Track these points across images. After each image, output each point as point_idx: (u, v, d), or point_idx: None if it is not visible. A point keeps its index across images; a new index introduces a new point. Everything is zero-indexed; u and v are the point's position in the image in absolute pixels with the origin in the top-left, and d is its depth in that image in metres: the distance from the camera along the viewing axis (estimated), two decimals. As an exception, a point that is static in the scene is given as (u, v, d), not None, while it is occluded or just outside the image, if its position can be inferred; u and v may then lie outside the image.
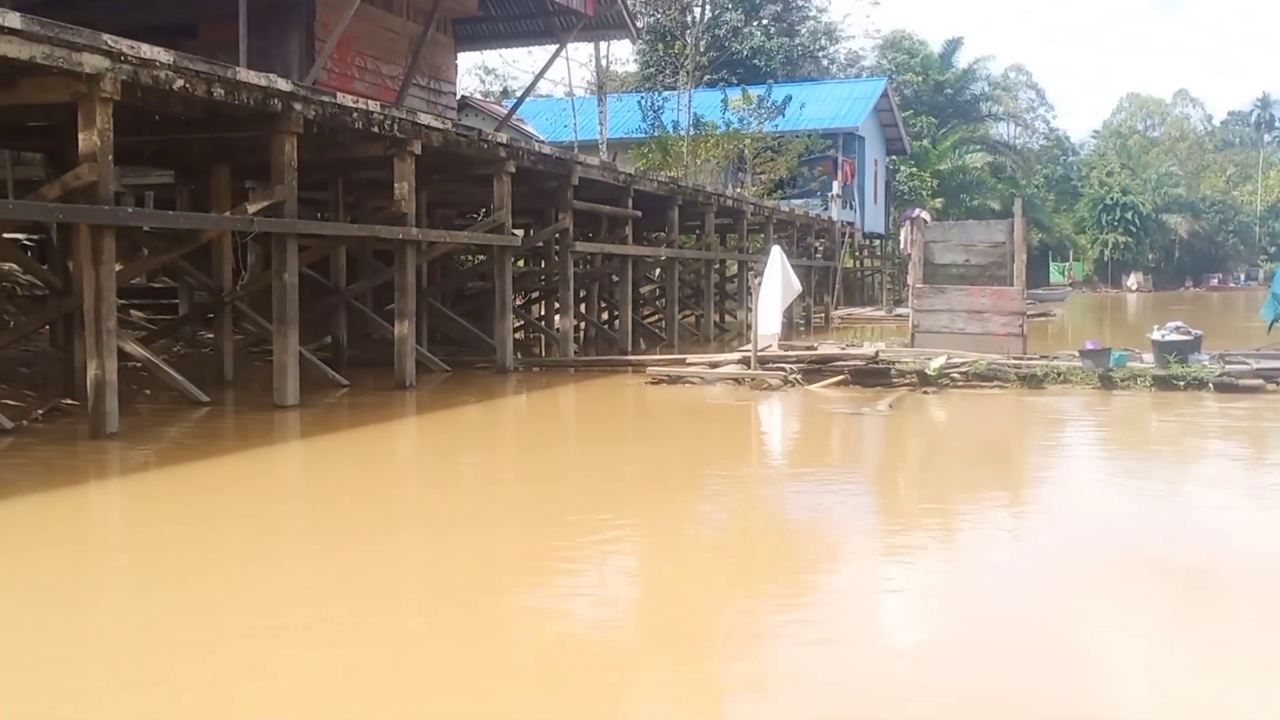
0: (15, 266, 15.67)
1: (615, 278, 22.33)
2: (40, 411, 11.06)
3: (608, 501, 7.87)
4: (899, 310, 36.05)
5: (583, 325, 23.19)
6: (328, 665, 4.47)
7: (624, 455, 10.40)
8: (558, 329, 19.38)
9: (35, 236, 15.81)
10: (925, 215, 20.32)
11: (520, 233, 19.43)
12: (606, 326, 23.69)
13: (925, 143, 57.34)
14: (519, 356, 17.56)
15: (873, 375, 14.53)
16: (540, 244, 20.35)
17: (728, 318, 28.63)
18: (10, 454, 9.34)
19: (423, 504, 8.10)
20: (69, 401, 11.54)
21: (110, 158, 9.72)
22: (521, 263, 23.52)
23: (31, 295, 15.80)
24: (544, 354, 20.64)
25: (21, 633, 4.87)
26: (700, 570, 6.07)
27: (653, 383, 14.99)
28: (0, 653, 4.61)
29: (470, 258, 23.03)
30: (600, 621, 5.09)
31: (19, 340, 13.21)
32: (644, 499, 7.99)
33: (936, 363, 14.47)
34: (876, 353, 15.24)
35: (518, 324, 20.49)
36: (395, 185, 14.03)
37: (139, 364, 12.38)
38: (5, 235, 13.02)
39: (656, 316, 26.24)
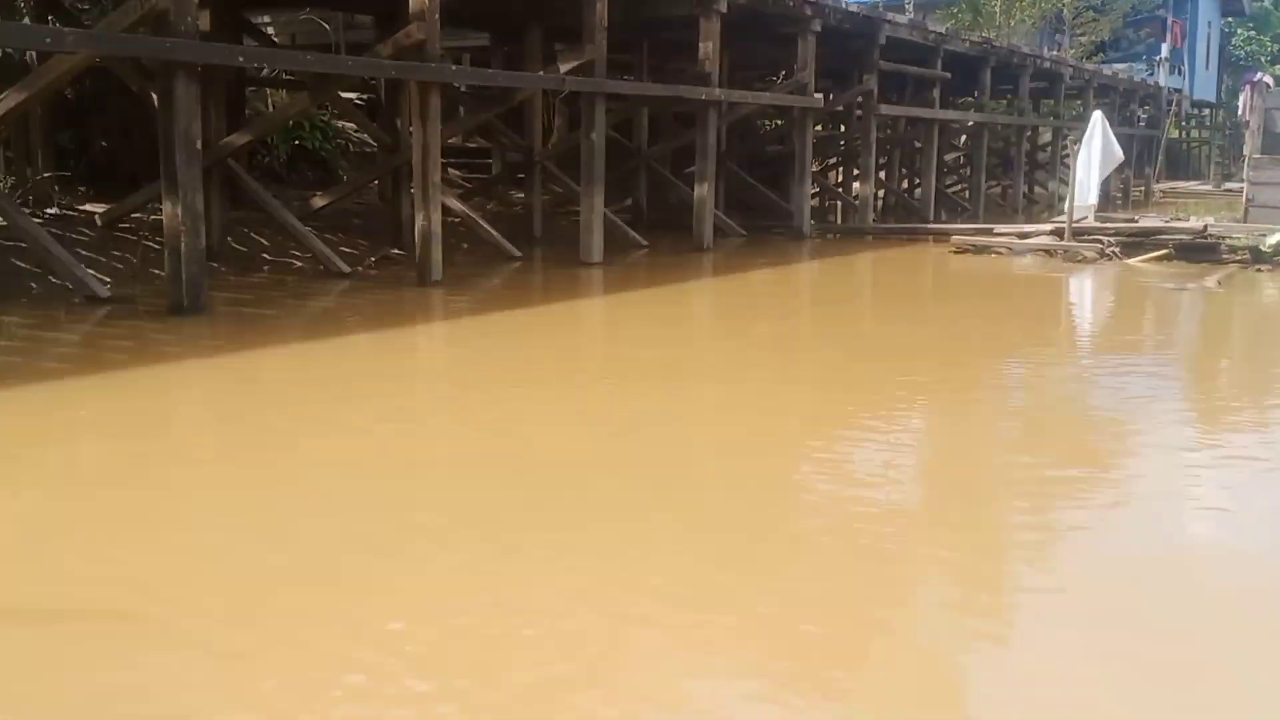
0: (349, 125, 16.79)
1: (918, 144, 21.61)
2: (372, 259, 11.94)
3: (903, 370, 7.75)
4: (1228, 185, 33.25)
5: (882, 193, 22.64)
6: (636, 501, 4.68)
7: (923, 324, 10.19)
8: (856, 196, 18.99)
9: (366, 97, 16.82)
10: (1268, 80, 18.50)
11: (821, 96, 19.02)
12: (907, 195, 23.05)
13: (1267, 3, 51.70)
14: (814, 223, 17.39)
15: (1199, 250, 13.53)
16: (841, 107, 19.88)
17: (1037, 189, 27.21)
18: (348, 296, 10.16)
19: (715, 360, 8.24)
20: (397, 251, 12.40)
21: (437, 17, 10.16)
22: (820, 128, 23.08)
23: (362, 152, 16.91)
24: (840, 221, 20.33)
25: (363, 451, 5.34)
26: (995, 454, 5.90)
27: (956, 252, 14.55)
28: (334, 474, 5.06)
29: (769, 123, 22.81)
30: (878, 501, 4.84)
31: (352, 194, 14.20)
32: (941, 370, 7.82)
33: (1274, 238, 13.30)
34: (1205, 227, 14.13)
35: (814, 190, 20.22)
36: (700, 45, 13.97)
37: (457, 219, 13.07)
38: (340, 95, 13.92)
39: (960, 186, 25.27)
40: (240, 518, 4.29)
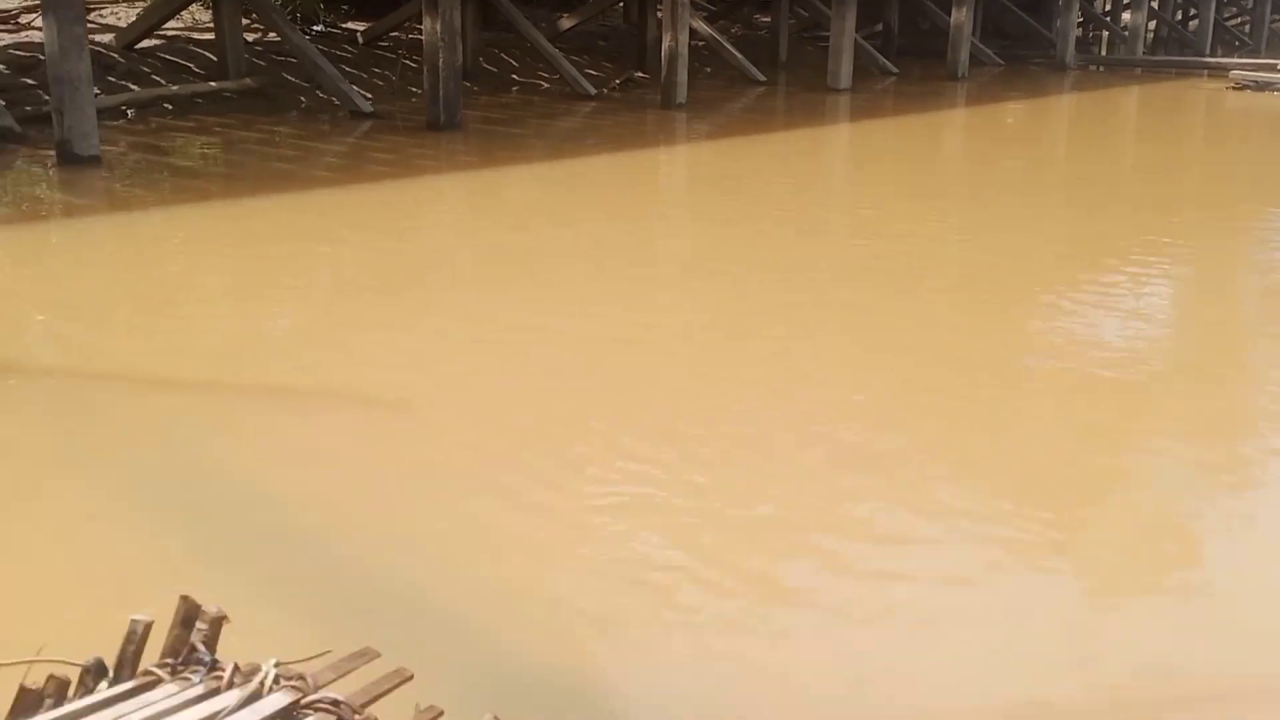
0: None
1: (1200, -31, 19.80)
2: (617, 82, 11.95)
3: (1156, 208, 7.28)
4: None
5: (1153, 24, 20.96)
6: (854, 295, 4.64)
7: (1183, 164, 9.52)
8: (1125, 26, 17.68)
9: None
10: None
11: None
12: (1180, 26, 21.28)
13: None
14: (1077, 54, 16.31)
15: None
16: (1116, -72, 18.33)
17: (1330, 22, 24.63)
18: (593, 117, 10.24)
19: (960, 195, 7.95)
20: (641, 74, 12.36)
21: None
22: (1090, -49, 21.41)
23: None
24: (1105, 53, 19.01)
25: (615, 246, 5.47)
26: (1242, 309, 5.49)
27: (1235, 88, 13.43)
28: (580, 279, 5.19)
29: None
30: (1122, 350, 4.45)
31: (598, 15, 14.15)
32: (1199, 212, 7.32)
33: None
34: None
35: (1079, 19, 18.90)
36: None
37: (702, 42, 12.89)
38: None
39: (1241, 19, 23.12)
40: (498, 325, 4.48)
